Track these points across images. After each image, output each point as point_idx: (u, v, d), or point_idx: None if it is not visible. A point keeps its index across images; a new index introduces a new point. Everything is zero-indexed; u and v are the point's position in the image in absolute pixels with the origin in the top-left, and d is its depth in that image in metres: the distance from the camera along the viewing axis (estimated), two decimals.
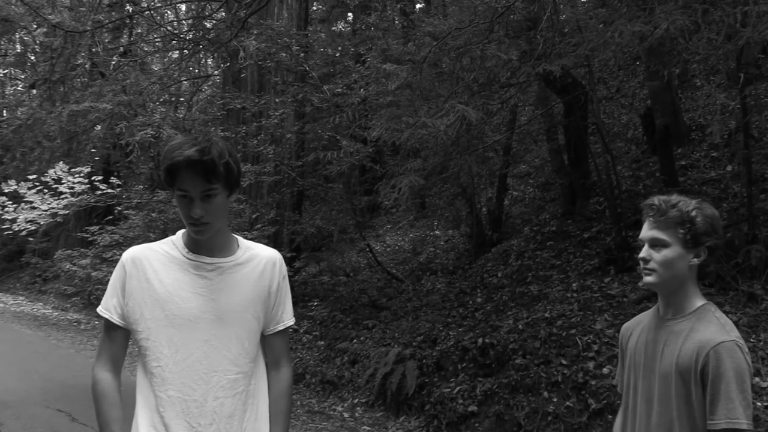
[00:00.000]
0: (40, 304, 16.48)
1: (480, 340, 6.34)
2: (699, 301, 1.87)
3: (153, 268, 1.86)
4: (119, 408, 1.87)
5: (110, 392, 1.86)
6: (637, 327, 2.04)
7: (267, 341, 2.02)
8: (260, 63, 10.84)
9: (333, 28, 18.00)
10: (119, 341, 1.91)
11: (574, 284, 6.82)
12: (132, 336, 1.92)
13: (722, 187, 7.04)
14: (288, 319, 2.05)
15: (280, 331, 2.03)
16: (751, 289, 5.37)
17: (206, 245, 1.89)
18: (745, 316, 5.13)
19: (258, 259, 1.97)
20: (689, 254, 1.82)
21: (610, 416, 4.81)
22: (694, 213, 1.81)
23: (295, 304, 8.38)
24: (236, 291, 1.90)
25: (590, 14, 7.04)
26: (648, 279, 1.86)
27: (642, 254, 1.87)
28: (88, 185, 13.00)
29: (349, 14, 18.50)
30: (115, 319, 1.88)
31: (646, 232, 1.87)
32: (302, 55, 10.53)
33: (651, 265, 1.84)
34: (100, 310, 1.92)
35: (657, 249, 1.84)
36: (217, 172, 1.75)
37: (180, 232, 1.97)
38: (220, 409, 1.84)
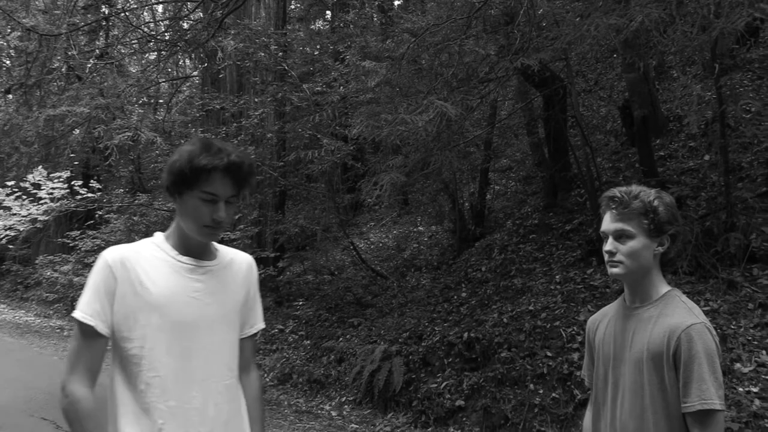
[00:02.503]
0: (22, 311, 16.24)
1: (465, 335, 6.37)
2: (664, 288, 1.90)
3: (144, 271, 1.76)
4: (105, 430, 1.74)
5: (95, 413, 1.70)
6: (603, 319, 2.05)
7: (239, 345, 1.97)
8: (239, 63, 10.78)
9: (311, 27, 17.93)
10: (99, 352, 1.74)
11: (557, 276, 6.87)
12: (114, 345, 1.77)
13: (700, 177, 7.12)
14: (260, 323, 2.06)
15: (252, 334, 2.03)
16: (730, 276, 5.44)
17: (197, 248, 1.85)
18: (725, 303, 5.20)
19: (238, 262, 1.97)
20: (653, 243, 1.85)
21: None
22: (656, 202, 1.84)
23: (279, 304, 8.33)
24: (226, 294, 1.88)
25: (567, 8, 7.08)
26: (615, 271, 1.87)
27: (608, 247, 1.88)
28: (68, 190, 12.84)
29: (328, 12, 18.45)
30: (100, 326, 1.72)
31: (610, 224, 1.88)
32: (281, 54, 10.48)
33: (617, 257, 1.86)
34: (81, 315, 1.72)
35: (622, 241, 1.85)
36: (249, 181, 1.81)
37: (161, 235, 1.88)
38: (218, 416, 1.81)
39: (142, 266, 1.76)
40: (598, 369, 2.02)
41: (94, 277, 1.75)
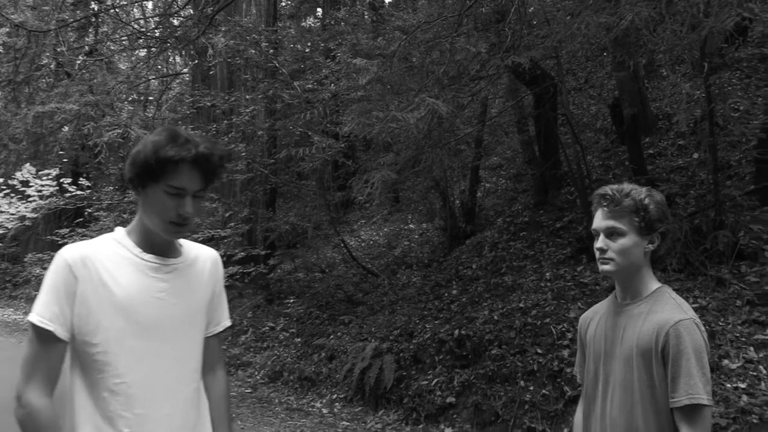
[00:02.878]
0: (11, 309, 16.13)
1: (456, 332, 6.39)
2: (654, 284, 1.92)
3: (107, 270, 1.63)
4: None
5: (55, 423, 1.57)
6: (595, 316, 2.07)
7: (204, 344, 1.87)
8: (229, 60, 10.75)
9: (302, 24, 17.89)
10: (57, 358, 1.60)
11: (547, 274, 6.90)
12: (74, 350, 1.64)
13: (689, 175, 7.17)
14: (226, 320, 1.97)
15: (218, 332, 1.94)
16: (719, 273, 5.49)
17: (161, 245, 1.74)
18: (713, 300, 5.24)
19: (203, 259, 1.87)
20: (644, 241, 1.87)
21: None
22: (646, 201, 1.86)
23: (270, 301, 8.29)
24: (192, 293, 1.79)
25: (557, 6, 7.11)
26: (606, 268, 1.89)
27: (599, 244, 1.90)
28: (57, 187, 12.78)
29: (318, 9, 18.41)
30: (59, 330, 1.58)
31: (601, 222, 1.90)
32: (272, 51, 10.45)
33: (609, 254, 1.88)
34: (38, 320, 1.57)
35: (613, 238, 1.87)
36: (219, 174, 1.71)
37: (122, 231, 1.75)
38: (186, 424, 1.74)
39: (104, 265, 1.64)
40: (588, 365, 2.03)
41: (52, 278, 1.61)
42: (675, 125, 8.13)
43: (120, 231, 1.75)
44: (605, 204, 1.89)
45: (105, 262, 1.64)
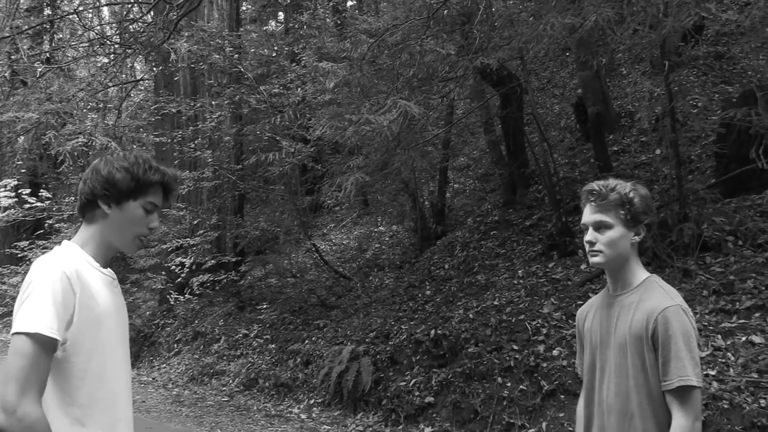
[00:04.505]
0: None
1: (432, 332, 6.43)
2: (643, 274, 2.02)
3: (92, 283, 1.73)
4: None
5: None
6: (591, 309, 2.17)
7: None
8: (193, 66, 10.61)
9: (265, 28, 17.78)
10: (49, 369, 1.62)
11: (519, 271, 7.00)
12: (57, 361, 1.66)
13: (653, 170, 7.37)
14: None
15: None
16: (685, 265, 5.65)
17: (107, 261, 1.87)
18: (681, 291, 5.34)
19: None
20: (630, 233, 1.97)
21: (562, 396, 4.98)
22: (631, 194, 1.96)
23: (242, 308, 8.22)
24: (124, 307, 1.94)
25: (520, 8, 7.24)
26: (595, 259, 1.99)
27: (588, 237, 2.00)
28: (15, 199, 12.41)
29: (280, 13, 18.32)
30: (60, 342, 1.63)
31: (590, 216, 2.00)
32: (236, 56, 10.36)
33: (597, 246, 1.97)
34: (49, 330, 1.59)
35: (601, 231, 1.97)
36: (176, 193, 1.94)
37: (75, 247, 1.79)
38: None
39: (90, 278, 1.73)
40: (586, 356, 2.11)
41: (52, 289, 1.63)
42: (637, 122, 8.35)
43: (72, 245, 1.80)
44: (593, 199, 1.99)
45: (88, 276, 1.73)
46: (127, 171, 1.78)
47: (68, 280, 1.65)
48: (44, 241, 13.04)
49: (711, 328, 4.95)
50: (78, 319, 1.66)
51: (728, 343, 4.74)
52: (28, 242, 13.28)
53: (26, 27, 10.70)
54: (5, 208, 12.64)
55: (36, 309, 1.61)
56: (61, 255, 1.73)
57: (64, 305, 1.63)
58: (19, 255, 13.71)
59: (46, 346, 1.59)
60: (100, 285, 1.76)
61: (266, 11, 17.52)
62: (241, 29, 12.11)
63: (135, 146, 14.95)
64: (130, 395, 1.88)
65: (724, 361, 4.60)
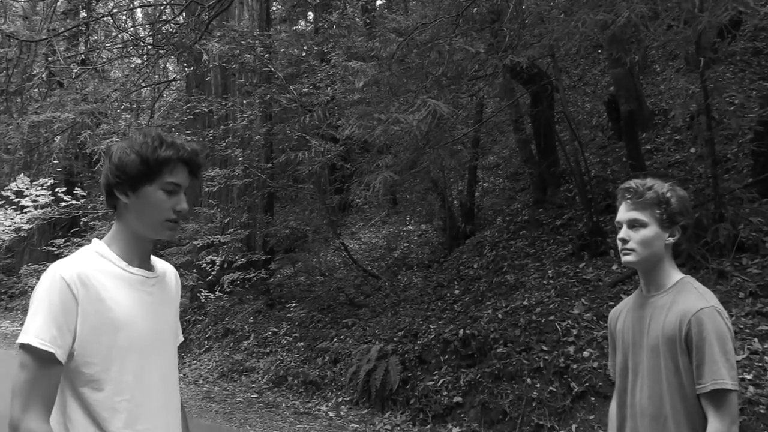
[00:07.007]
0: (8, 321, 16.05)
1: (461, 332, 6.40)
2: (677, 276, 1.97)
3: (103, 286, 1.58)
4: None
5: None
6: (623, 310, 2.13)
7: None
8: (224, 65, 10.73)
9: (295, 28, 17.90)
10: (55, 382, 1.52)
11: (549, 271, 6.92)
12: (68, 371, 1.56)
13: (687, 169, 7.22)
14: (181, 335, 1.96)
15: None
16: (720, 266, 5.52)
17: (143, 257, 1.72)
18: (716, 293, 5.23)
19: (169, 272, 1.86)
20: (665, 233, 1.92)
21: (593, 398, 4.92)
22: (669, 194, 1.92)
23: (271, 306, 8.27)
24: (169, 306, 1.79)
25: (551, 4, 7.15)
26: (628, 258, 1.95)
27: (621, 235, 1.96)
28: (52, 197, 12.71)
29: (310, 13, 18.42)
30: (59, 353, 1.49)
31: (624, 213, 1.96)
32: (266, 56, 10.45)
33: (630, 245, 1.93)
34: (38, 342, 1.48)
35: (635, 229, 1.93)
36: (202, 169, 1.76)
37: (101, 243, 1.68)
38: None
39: (100, 281, 1.58)
40: (619, 358, 2.08)
41: (49, 297, 1.52)
42: (671, 120, 8.19)
43: (99, 243, 1.69)
44: (629, 196, 1.95)
45: (99, 278, 1.59)
46: (137, 154, 1.61)
47: (68, 286, 1.53)
48: (79, 239, 13.34)
49: (747, 331, 4.83)
50: (83, 326, 1.54)
51: (765, 346, 4.63)
52: (63, 239, 13.60)
53: (63, 29, 10.93)
54: (42, 206, 12.94)
55: (30, 320, 1.53)
56: (70, 259, 1.62)
57: (63, 313, 1.52)
58: (55, 252, 14.04)
59: (42, 357, 1.49)
60: (120, 287, 1.62)
61: (296, 11, 17.64)
62: (271, 29, 12.20)
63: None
64: (169, 403, 1.72)
65: (760, 365, 4.49)
